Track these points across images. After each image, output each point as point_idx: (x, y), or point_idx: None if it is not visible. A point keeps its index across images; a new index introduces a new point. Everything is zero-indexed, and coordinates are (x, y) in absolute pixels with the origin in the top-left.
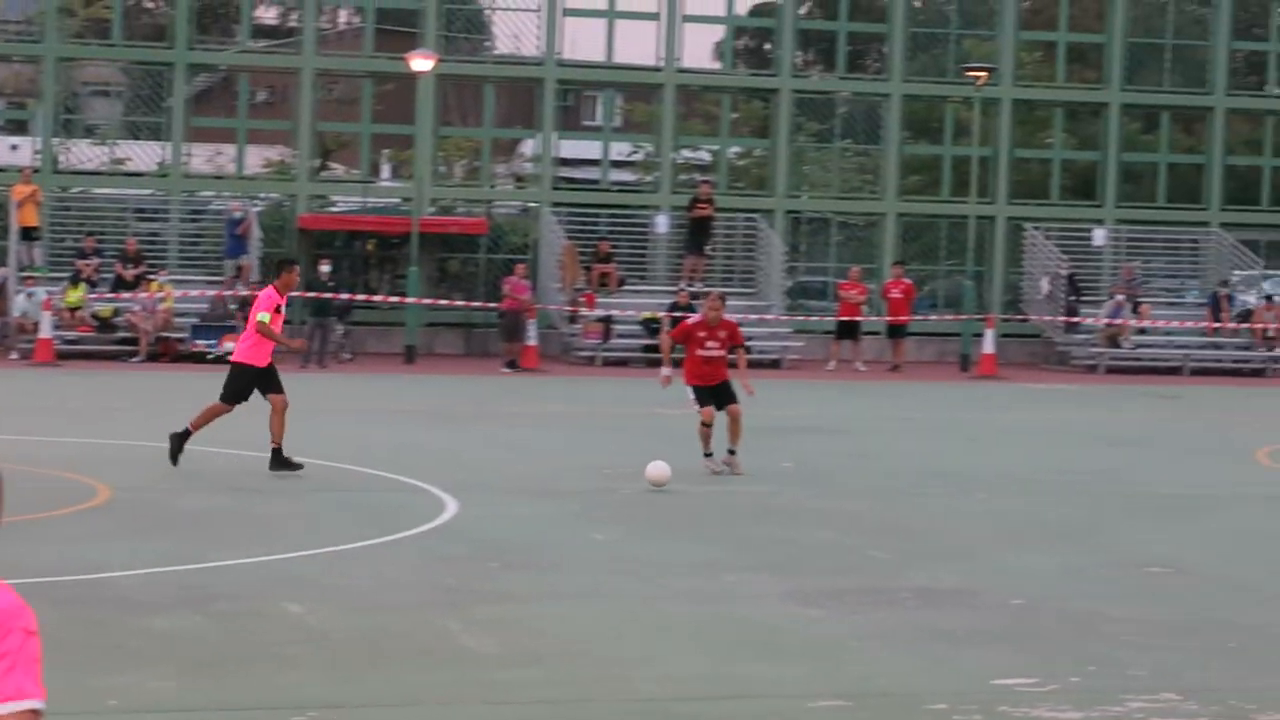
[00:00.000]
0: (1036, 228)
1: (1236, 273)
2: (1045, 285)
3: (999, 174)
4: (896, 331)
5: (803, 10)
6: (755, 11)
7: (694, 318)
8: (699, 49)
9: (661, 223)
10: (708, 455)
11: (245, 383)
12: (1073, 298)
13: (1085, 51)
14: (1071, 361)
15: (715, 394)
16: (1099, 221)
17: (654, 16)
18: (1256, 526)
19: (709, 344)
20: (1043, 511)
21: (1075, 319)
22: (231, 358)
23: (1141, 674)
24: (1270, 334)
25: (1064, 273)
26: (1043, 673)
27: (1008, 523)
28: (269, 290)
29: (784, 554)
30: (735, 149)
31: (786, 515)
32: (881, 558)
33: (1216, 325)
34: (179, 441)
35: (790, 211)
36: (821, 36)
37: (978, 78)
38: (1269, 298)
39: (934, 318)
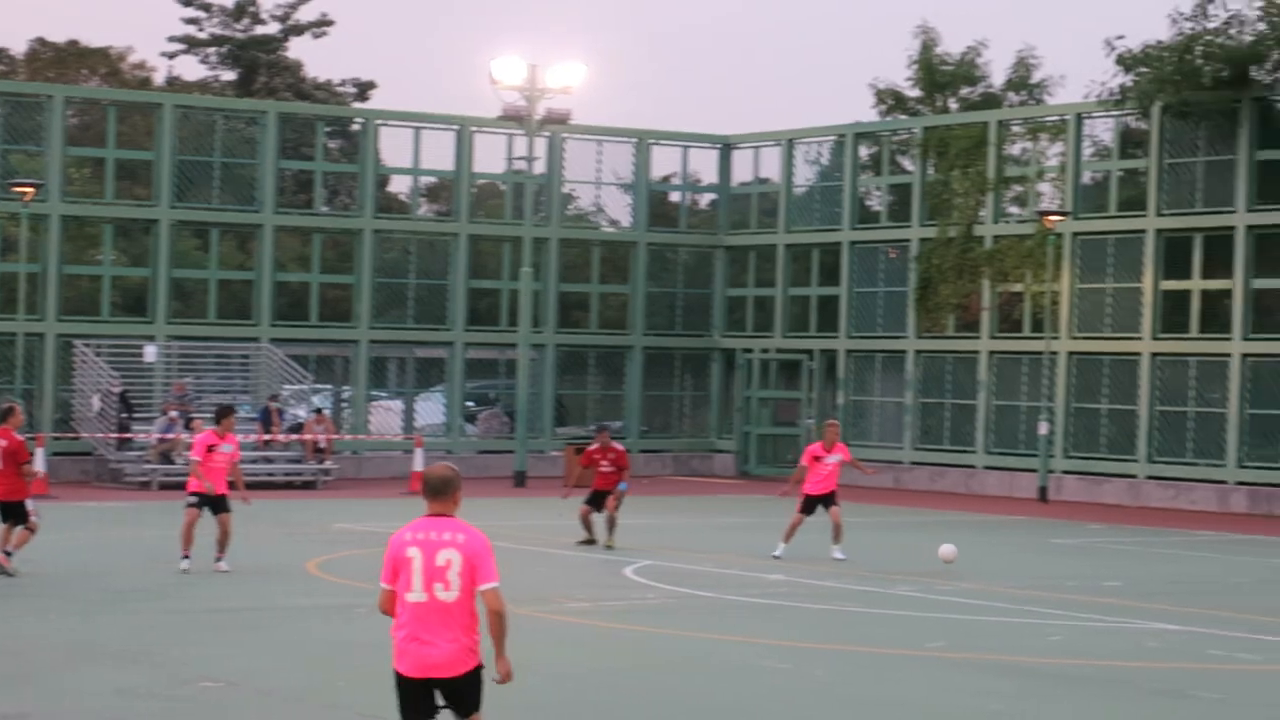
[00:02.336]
0: (87, 344)
1: (287, 387)
2: (96, 402)
3: (48, 290)
4: None
5: None
6: None
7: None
8: None
9: None
10: None
11: None
12: (125, 414)
13: (136, 168)
14: (125, 479)
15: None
16: (150, 337)
17: None
18: (310, 637)
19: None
20: (99, 632)
21: (128, 435)
22: None
23: None
24: (320, 446)
25: (116, 390)
26: None
27: (65, 643)
28: None
29: None
30: None
31: None
32: None
33: (268, 438)
34: None
35: None
36: None
37: (24, 193)
38: (319, 410)
39: None
